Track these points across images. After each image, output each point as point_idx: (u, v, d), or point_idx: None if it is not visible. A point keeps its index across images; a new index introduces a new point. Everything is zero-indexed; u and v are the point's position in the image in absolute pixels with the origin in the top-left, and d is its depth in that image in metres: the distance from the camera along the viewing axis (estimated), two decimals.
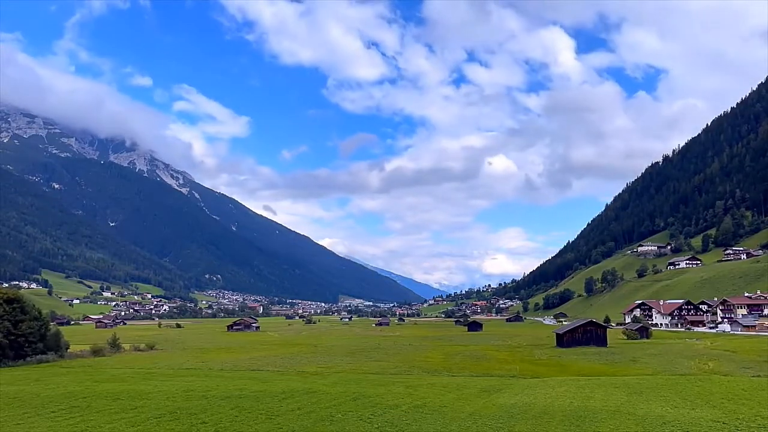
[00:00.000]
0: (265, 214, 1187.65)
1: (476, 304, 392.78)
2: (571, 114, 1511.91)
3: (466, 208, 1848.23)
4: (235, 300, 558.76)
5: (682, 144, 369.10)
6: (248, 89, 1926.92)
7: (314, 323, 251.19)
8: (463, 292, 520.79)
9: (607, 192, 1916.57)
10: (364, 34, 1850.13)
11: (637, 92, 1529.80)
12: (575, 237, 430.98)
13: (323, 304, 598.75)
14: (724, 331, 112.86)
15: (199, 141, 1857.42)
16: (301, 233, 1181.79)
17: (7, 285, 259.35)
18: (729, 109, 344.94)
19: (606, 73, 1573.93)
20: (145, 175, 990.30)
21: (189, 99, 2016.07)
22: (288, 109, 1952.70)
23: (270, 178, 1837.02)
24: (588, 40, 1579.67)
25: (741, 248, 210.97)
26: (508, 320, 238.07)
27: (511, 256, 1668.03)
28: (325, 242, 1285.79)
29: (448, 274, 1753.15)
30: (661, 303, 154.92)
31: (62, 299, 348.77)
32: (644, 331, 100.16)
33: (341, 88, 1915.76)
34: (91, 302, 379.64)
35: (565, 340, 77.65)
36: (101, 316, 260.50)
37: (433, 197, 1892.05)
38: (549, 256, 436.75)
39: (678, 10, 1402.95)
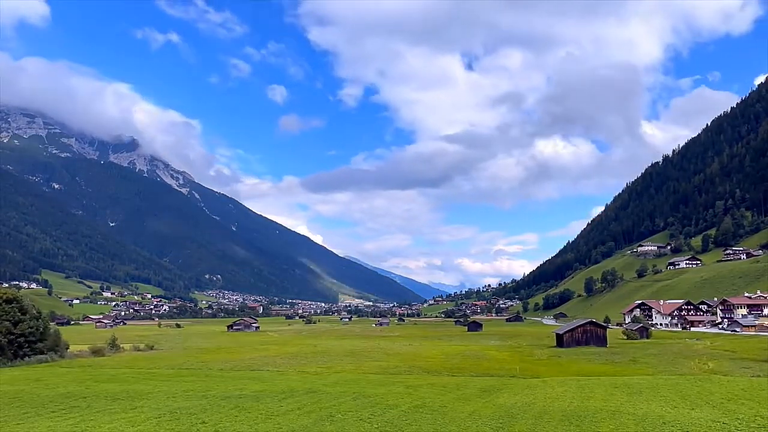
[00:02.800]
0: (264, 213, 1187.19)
1: (476, 304, 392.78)
2: None
3: None
4: (235, 300, 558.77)
5: (682, 144, 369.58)
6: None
7: (314, 323, 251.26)
8: (463, 292, 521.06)
9: None
10: None
11: None
12: (575, 237, 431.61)
13: (323, 304, 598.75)
14: (723, 331, 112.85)
15: None
16: (301, 233, 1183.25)
17: (7, 285, 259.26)
18: (729, 109, 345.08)
19: None
20: (145, 175, 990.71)
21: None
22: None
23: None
24: None
25: (741, 248, 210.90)
26: (507, 320, 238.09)
27: None
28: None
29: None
30: (661, 303, 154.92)
31: (62, 299, 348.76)
32: (644, 331, 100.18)
33: None
34: (91, 302, 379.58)
35: (565, 340, 77.65)
36: (101, 316, 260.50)
37: None
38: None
39: None
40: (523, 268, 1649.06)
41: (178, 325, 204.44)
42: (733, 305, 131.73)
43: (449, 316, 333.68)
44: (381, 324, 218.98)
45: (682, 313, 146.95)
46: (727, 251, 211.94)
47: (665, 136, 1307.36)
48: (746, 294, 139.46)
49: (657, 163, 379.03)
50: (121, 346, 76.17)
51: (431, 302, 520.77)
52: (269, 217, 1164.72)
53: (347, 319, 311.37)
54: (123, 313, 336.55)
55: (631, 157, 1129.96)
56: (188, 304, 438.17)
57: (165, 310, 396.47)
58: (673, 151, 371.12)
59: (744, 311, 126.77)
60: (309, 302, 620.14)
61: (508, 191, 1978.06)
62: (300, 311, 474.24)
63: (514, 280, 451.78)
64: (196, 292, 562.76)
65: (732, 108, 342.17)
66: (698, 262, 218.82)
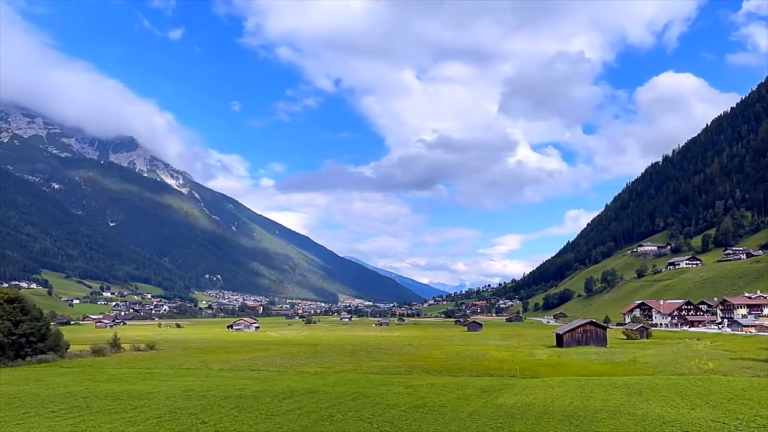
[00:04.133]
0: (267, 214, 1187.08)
1: (476, 304, 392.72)
2: None
3: None
4: (235, 300, 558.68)
5: (682, 144, 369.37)
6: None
7: (314, 323, 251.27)
8: (463, 292, 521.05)
9: None
10: None
11: None
12: (575, 237, 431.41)
13: (323, 304, 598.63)
14: (723, 331, 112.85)
15: None
16: (301, 233, 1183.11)
17: (7, 285, 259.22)
18: (729, 109, 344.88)
19: None
20: (145, 175, 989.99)
21: None
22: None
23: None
24: None
25: (741, 248, 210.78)
26: (508, 320, 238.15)
27: None
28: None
29: None
30: (661, 303, 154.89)
31: (62, 299, 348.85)
32: (644, 331, 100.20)
33: None
34: (91, 302, 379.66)
35: (565, 340, 77.64)
36: (101, 316, 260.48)
37: None
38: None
39: None
40: (506, 268, 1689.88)
41: (178, 325, 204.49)
42: (733, 305, 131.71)
43: (449, 316, 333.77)
44: (381, 324, 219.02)
45: (682, 313, 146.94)
46: (727, 251, 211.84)
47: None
48: (746, 294, 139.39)
49: (657, 163, 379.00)
50: (122, 346, 76.17)
51: (431, 302, 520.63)
52: (269, 216, 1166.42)
53: (347, 319, 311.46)
54: (123, 313, 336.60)
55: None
56: (188, 304, 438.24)
57: (165, 310, 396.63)
58: (673, 151, 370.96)
59: (744, 311, 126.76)
60: (309, 302, 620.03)
61: (486, 194, 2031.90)
62: (300, 311, 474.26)
63: (514, 280, 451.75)
64: (196, 292, 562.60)
65: (732, 108, 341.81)
66: (698, 262, 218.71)
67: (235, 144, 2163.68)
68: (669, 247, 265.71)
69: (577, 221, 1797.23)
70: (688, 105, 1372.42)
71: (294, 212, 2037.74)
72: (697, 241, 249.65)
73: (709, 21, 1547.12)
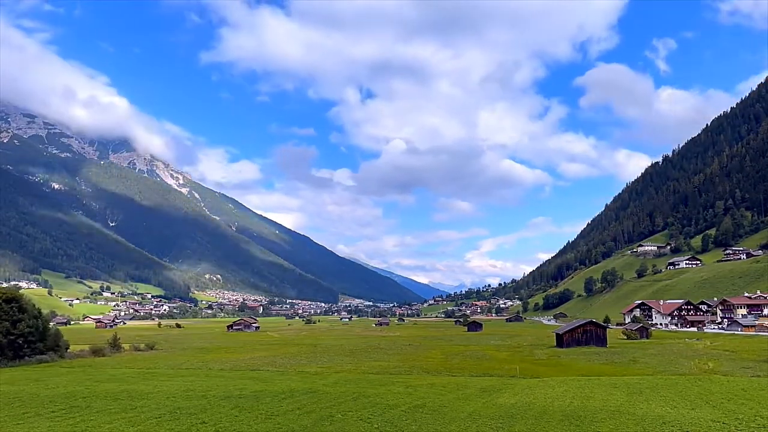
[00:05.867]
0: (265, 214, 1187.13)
1: (476, 304, 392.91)
2: None
3: None
4: (235, 300, 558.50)
5: (682, 144, 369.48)
6: None
7: (314, 323, 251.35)
8: (463, 292, 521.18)
9: None
10: None
11: None
12: (575, 237, 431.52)
13: (323, 304, 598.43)
14: (723, 331, 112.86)
15: None
16: (301, 233, 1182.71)
17: (7, 285, 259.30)
18: (729, 109, 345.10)
19: None
20: (145, 175, 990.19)
21: None
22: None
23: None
24: None
25: (741, 248, 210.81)
26: (507, 320, 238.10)
27: None
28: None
29: None
30: (661, 303, 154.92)
31: (62, 299, 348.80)
32: (644, 331, 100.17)
33: None
34: (91, 302, 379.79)
35: (565, 340, 77.62)
36: (101, 316, 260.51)
37: None
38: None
39: None
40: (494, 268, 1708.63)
41: (178, 325, 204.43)
42: (733, 305, 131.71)
43: (449, 316, 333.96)
44: (381, 324, 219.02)
45: (682, 313, 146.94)
46: (727, 251, 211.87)
47: None
48: (746, 294, 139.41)
49: (657, 163, 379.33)
50: (122, 346, 76.16)
51: (431, 302, 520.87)
52: (269, 216, 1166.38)
53: (347, 319, 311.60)
54: (123, 313, 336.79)
55: None
56: (188, 304, 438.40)
57: (165, 310, 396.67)
58: (673, 151, 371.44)
59: (744, 311, 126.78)
60: (309, 302, 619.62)
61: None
62: (300, 311, 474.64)
63: (514, 280, 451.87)
64: (196, 292, 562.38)
65: (732, 108, 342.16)
66: (698, 262, 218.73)
67: (223, 137, 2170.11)
68: (669, 247, 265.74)
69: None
70: None
71: (291, 213, 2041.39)
72: (697, 241, 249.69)
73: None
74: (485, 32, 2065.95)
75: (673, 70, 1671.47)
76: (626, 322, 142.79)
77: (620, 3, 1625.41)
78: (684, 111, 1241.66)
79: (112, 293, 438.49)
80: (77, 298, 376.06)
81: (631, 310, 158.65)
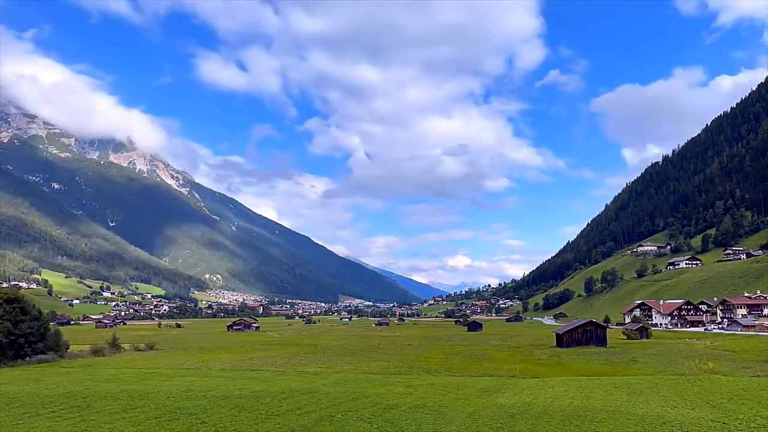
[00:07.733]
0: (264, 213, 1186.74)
1: (476, 304, 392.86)
2: None
3: None
4: (235, 300, 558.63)
5: (682, 144, 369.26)
6: None
7: (314, 323, 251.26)
8: (463, 292, 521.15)
9: None
10: None
11: None
12: (575, 237, 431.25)
13: (323, 304, 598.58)
14: (723, 331, 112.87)
15: None
16: (301, 233, 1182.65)
17: (7, 285, 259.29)
18: (729, 109, 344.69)
19: None
20: (145, 175, 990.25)
21: None
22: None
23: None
24: None
25: (741, 248, 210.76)
26: (507, 320, 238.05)
27: None
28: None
29: None
30: (661, 303, 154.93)
31: (62, 299, 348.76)
32: (644, 331, 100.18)
33: None
34: (91, 302, 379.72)
35: (565, 340, 77.64)
36: (101, 316, 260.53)
37: None
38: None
39: None
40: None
41: (178, 325, 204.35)
42: (733, 305, 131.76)
43: (449, 316, 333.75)
44: (381, 324, 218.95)
45: (682, 313, 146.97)
46: (727, 251, 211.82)
47: None
48: (746, 294, 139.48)
49: (657, 163, 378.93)
50: (122, 346, 76.16)
51: (431, 302, 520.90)
52: (269, 217, 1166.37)
53: (347, 319, 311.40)
54: (123, 313, 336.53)
55: None
56: (188, 304, 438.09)
57: (165, 310, 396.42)
58: (673, 151, 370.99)
59: (744, 311, 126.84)
60: (309, 302, 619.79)
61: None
62: (300, 311, 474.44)
63: (514, 280, 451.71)
64: (196, 292, 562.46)
65: (732, 108, 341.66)
66: (698, 262, 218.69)
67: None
68: (669, 247, 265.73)
69: None
70: None
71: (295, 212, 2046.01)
72: (697, 241, 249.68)
73: None
74: None
75: None
76: (626, 322, 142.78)
77: None
78: None
79: (112, 293, 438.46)
80: (77, 298, 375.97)
81: (631, 310, 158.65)
